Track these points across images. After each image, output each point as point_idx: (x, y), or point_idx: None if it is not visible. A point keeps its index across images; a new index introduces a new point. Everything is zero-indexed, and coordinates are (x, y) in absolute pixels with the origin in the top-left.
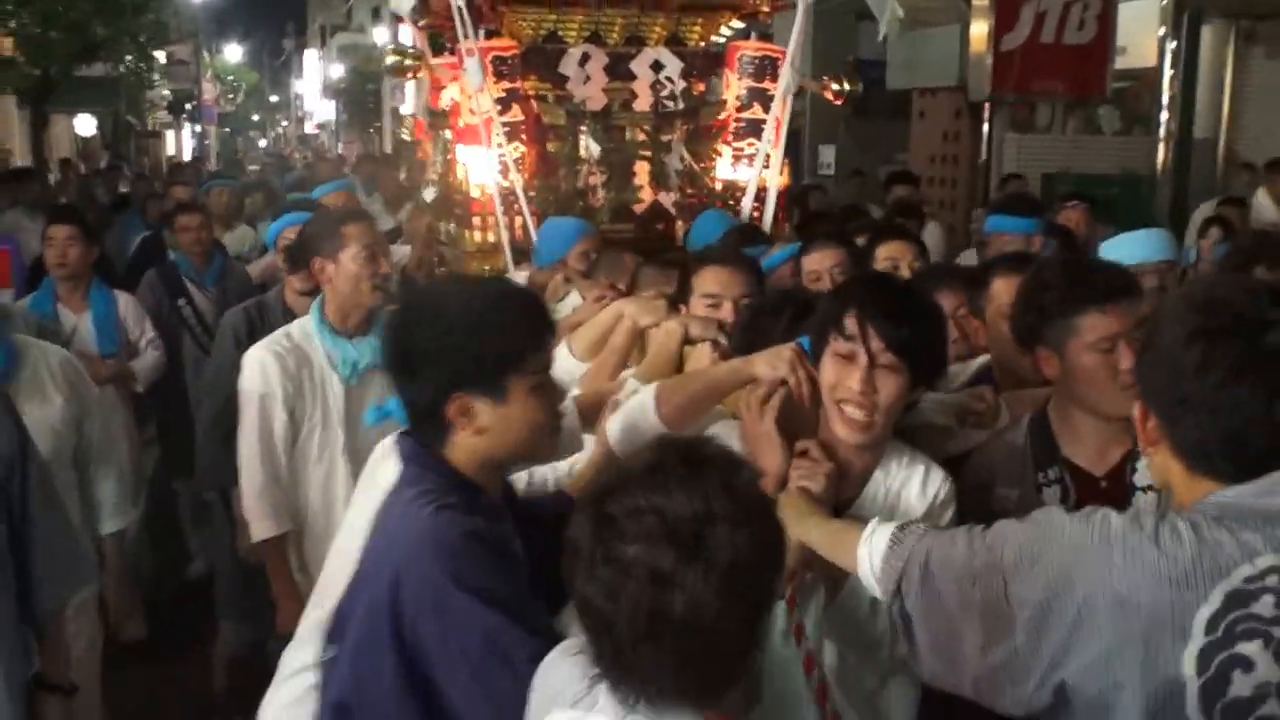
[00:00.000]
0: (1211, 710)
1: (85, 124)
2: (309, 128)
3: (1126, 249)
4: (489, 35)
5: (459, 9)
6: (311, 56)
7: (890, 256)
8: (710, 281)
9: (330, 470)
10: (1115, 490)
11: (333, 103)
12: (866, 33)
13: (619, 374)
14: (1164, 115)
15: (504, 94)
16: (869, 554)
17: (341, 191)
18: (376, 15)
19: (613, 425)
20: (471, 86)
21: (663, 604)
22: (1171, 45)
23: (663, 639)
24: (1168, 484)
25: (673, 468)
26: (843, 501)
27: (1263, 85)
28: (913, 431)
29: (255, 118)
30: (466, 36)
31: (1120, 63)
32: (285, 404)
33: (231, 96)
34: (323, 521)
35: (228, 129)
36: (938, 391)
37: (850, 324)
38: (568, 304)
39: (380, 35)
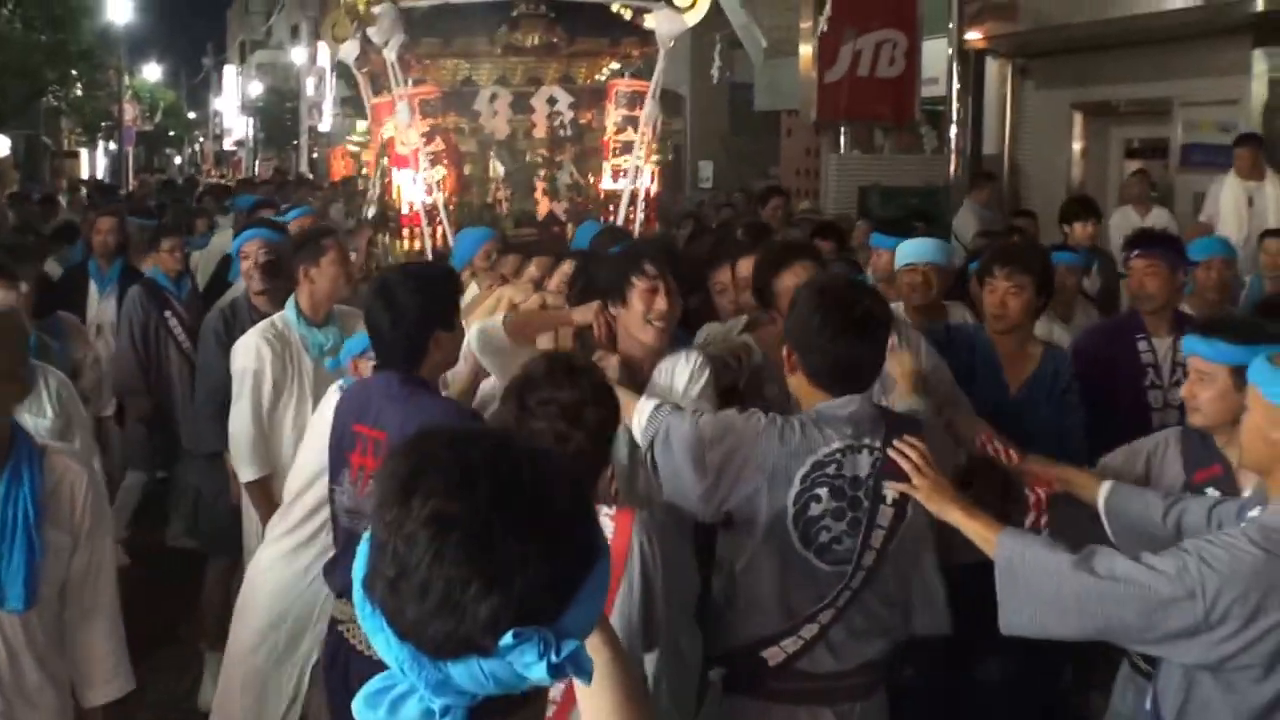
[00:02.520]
0: (799, 524)
1: None
2: (227, 144)
3: (911, 249)
4: (415, 83)
5: (392, 64)
6: (230, 73)
7: None
8: (568, 267)
9: (302, 426)
10: None
11: (251, 120)
12: (741, 59)
13: None
14: (954, 137)
15: (428, 129)
16: (638, 419)
17: (308, 216)
18: (295, 33)
19: (471, 334)
20: (402, 124)
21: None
22: (957, 79)
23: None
24: (798, 395)
25: (560, 372)
26: (637, 383)
27: (1035, 111)
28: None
29: (172, 134)
30: (398, 84)
31: (931, 91)
32: (272, 376)
33: (149, 115)
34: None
35: (143, 146)
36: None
37: (650, 266)
38: (469, 293)
39: (299, 55)
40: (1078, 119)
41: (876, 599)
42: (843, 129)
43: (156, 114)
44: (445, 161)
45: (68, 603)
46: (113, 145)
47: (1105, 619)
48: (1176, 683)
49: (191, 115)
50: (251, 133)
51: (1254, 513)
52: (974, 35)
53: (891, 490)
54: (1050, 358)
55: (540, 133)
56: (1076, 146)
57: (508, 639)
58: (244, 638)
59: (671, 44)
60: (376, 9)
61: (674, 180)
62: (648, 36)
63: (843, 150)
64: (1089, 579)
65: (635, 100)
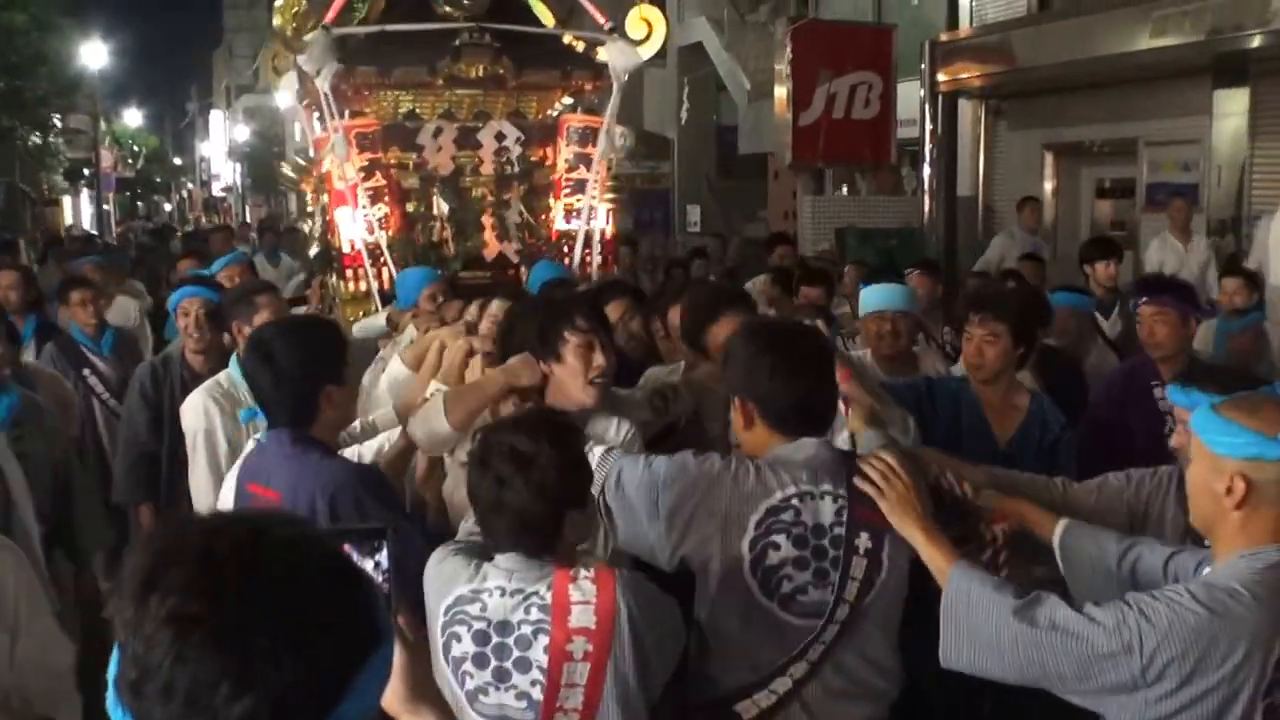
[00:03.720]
0: (757, 572)
1: None
2: (216, 190)
3: (876, 296)
4: (354, 115)
5: (325, 95)
6: (217, 118)
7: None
8: (496, 307)
9: None
10: None
11: (238, 165)
12: (726, 102)
13: (432, 378)
14: (927, 178)
15: (367, 163)
16: (591, 462)
17: (237, 264)
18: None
19: (413, 424)
20: (339, 158)
21: (502, 497)
22: (930, 120)
23: (504, 515)
24: (749, 442)
25: (524, 425)
26: None
27: (1008, 151)
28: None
29: (159, 180)
30: (333, 117)
31: (909, 133)
32: (224, 433)
33: (131, 161)
34: None
35: (128, 193)
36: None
37: (582, 320)
38: (406, 336)
39: (284, 99)
40: (1049, 159)
41: (857, 658)
42: (826, 171)
43: (138, 160)
44: (387, 198)
45: (27, 702)
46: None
47: (1042, 667)
48: None
49: (178, 161)
50: (239, 178)
51: (1208, 569)
52: (947, 77)
53: (862, 539)
54: (1039, 407)
55: (487, 169)
56: (1049, 186)
57: None
58: None
59: (625, 78)
60: (308, 36)
61: (663, 223)
62: (601, 70)
63: (829, 192)
64: (1028, 627)
65: (588, 137)
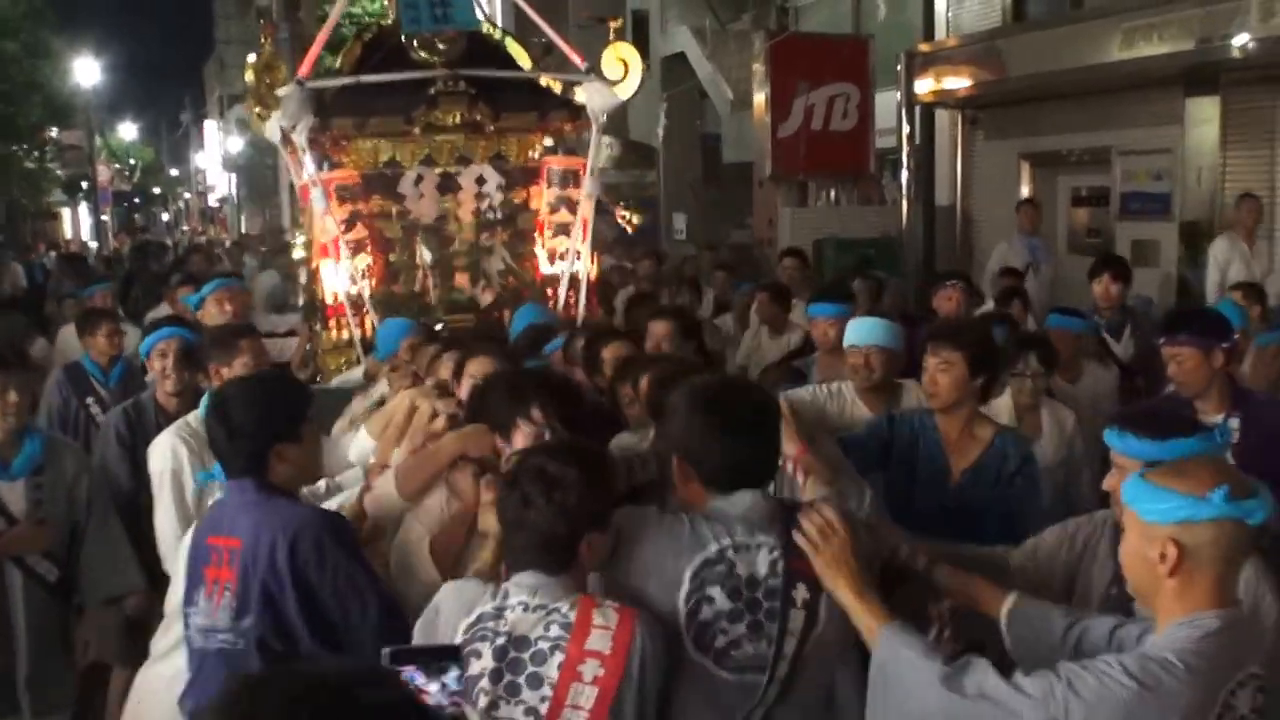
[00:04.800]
0: (690, 628)
1: None
2: (211, 200)
3: (854, 330)
4: (333, 166)
5: (302, 149)
6: (211, 129)
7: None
8: (474, 366)
9: None
10: None
11: (232, 176)
12: (710, 110)
13: (398, 440)
14: (905, 186)
15: (348, 215)
16: None
17: (226, 290)
18: None
19: (368, 500)
20: (318, 212)
21: (526, 515)
22: (908, 129)
23: (526, 533)
24: (687, 497)
25: (555, 451)
26: None
27: (985, 160)
28: None
29: (156, 191)
30: (310, 170)
31: (887, 142)
32: (191, 474)
33: (127, 174)
34: None
35: (125, 204)
36: None
37: (536, 412)
38: (379, 388)
39: (274, 134)
40: (1025, 168)
41: (798, 715)
42: (808, 182)
43: (135, 173)
44: (369, 248)
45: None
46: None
47: None
48: None
49: (174, 172)
50: (234, 189)
51: (1150, 638)
52: (924, 87)
53: (799, 591)
54: (1001, 441)
55: (468, 215)
56: (1025, 194)
57: None
58: None
59: (604, 119)
60: (281, 91)
61: (650, 232)
62: (579, 110)
63: (811, 202)
64: (954, 697)
65: (569, 179)
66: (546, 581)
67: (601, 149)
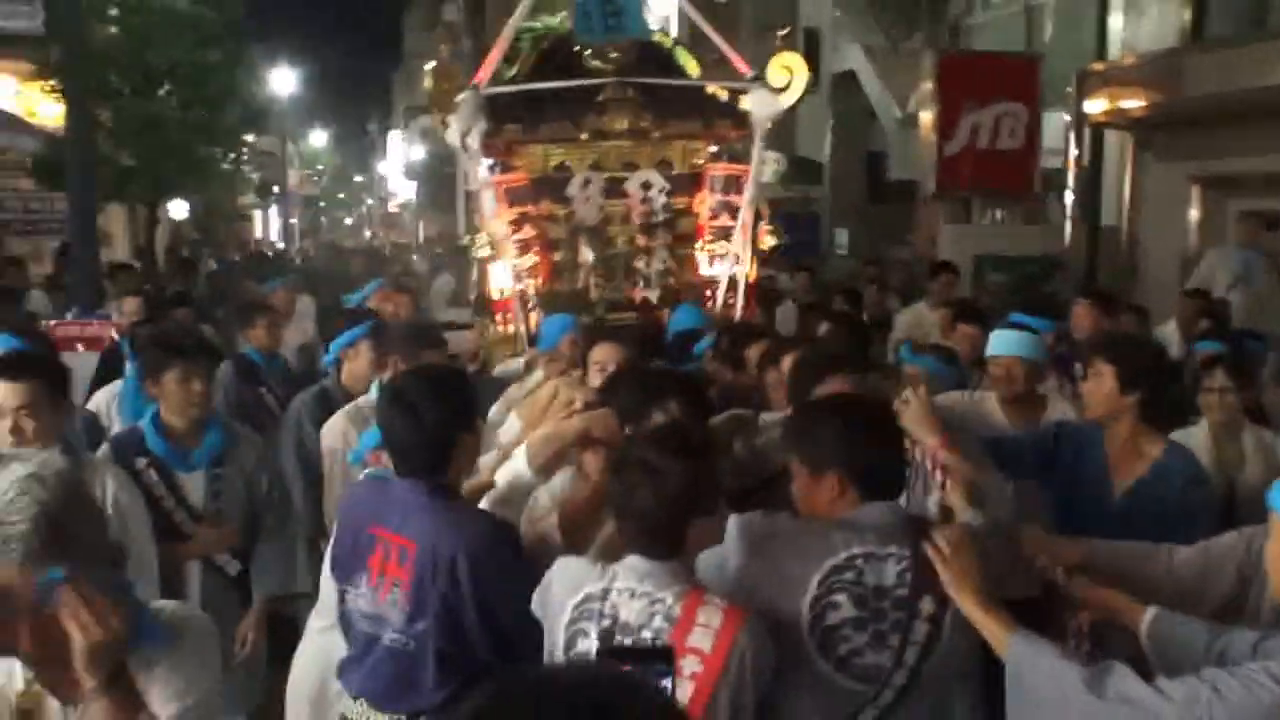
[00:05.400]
0: (815, 632)
1: (178, 207)
2: (392, 207)
3: (995, 341)
4: (505, 170)
5: (476, 153)
6: (395, 138)
7: None
8: (599, 353)
9: None
10: None
11: (414, 183)
12: (878, 128)
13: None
14: (1070, 207)
15: (517, 216)
16: None
17: (384, 290)
18: None
19: (501, 471)
20: (489, 212)
21: (631, 502)
22: (1075, 149)
23: (631, 519)
24: (819, 505)
25: (659, 439)
26: None
27: (1153, 183)
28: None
29: (341, 196)
30: (483, 172)
31: (1053, 162)
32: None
33: (315, 180)
34: None
35: (315, 206)
36: None
37: (673, 405)
38: (534, 377)
39: (454, 138)
40: (1195, 191)
41: None
42: (972, 199)
43: (322, 178)
44: (536, 248)
45: None
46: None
47: None
48: None
49: (358, 178)
50: (414, 195)
51: None
52: (1094, 107)
53: (925, 603)
54: (1167, 459)
55: (634, 218)
56: (1194, 218)
57: None
58: None
59: (768, 126)
60: (458, 98)
61: (811, 247)
62: (743, 118)
63: (975, 220)
64: (1095, 700)
65: (731, 184)
66: (653, 567)
67: (769, 164)
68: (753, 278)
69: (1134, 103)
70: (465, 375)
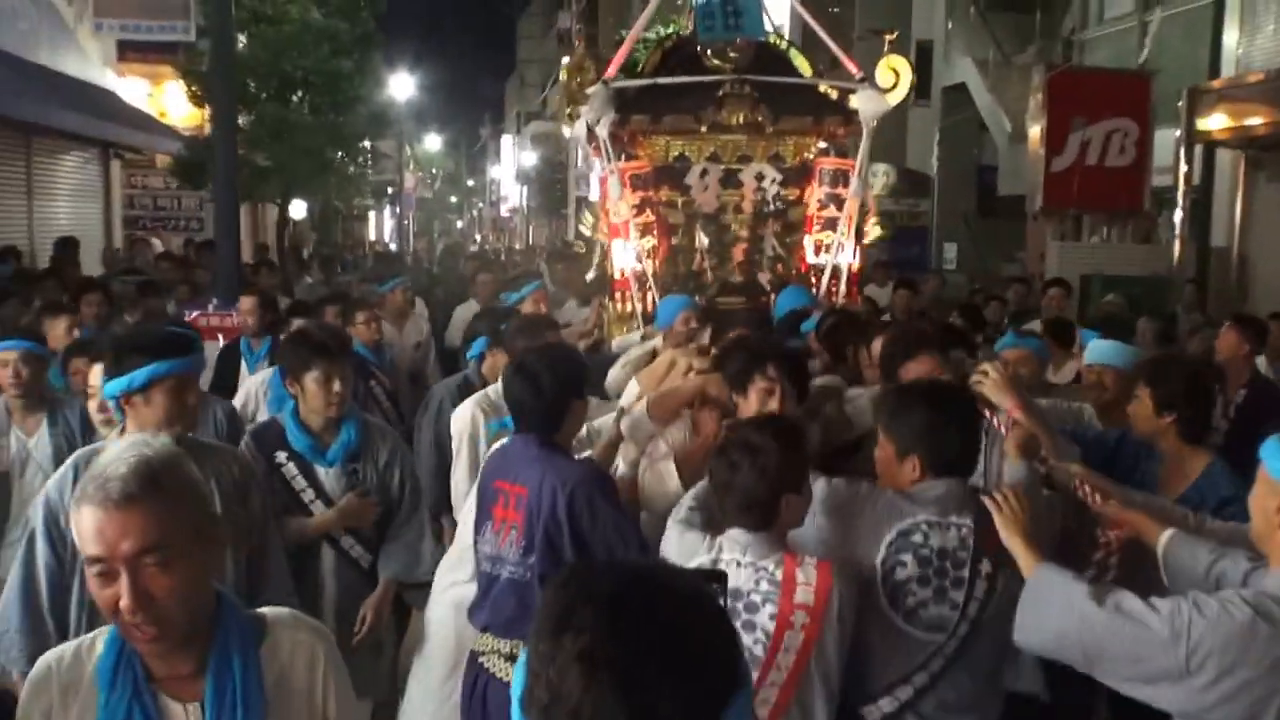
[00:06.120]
0: (885, 586)
1: (296, 207)
2: (503, 211)
3: (1091, 350)
4: (629, 158)
5: (604, 141)
6: (507, 143)
7: None
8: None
9: None
10: None
11: (524, 188)
12: (988, 142)
13: (655, 387)
14: (1179, 226)
15: (639, 201)
16: None
17: (535, 293)
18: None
19: (625, 422)
20: (614, 197)
21: (733, 478)
22: (1186, 168)
23: (733, 494)
24: (896, 478)
25: (758, 424)
26: None
27: (1266, 203)
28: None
29: (453, 199)
30: (609, 159)
31: (1163, 180)
32: (485, 439)
33: (430, 182)
34: None
35: (428, 208)
36: None
37: (772, 370)
38: (651, 342)
39: (576, 130)
40: None
41: (968, 673)
42: (1081, 216)
43: (436, 181)
44: (655, 232)
45: None
46: (397, 208)
47: (1099, 649)
48: None
49: (470, 183)
50: (525, 200)
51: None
52: (1205, 125)
53: (984, 565)
54: (1205, 478)
55: (747, 207)
56: None
57: None
58: (428, 686)
59: (874, 124)
60: (589, 90)
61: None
62: (851, 116)
63: (1084, 238)
64: (1095, 607)
65: (839, 178)
66: (753, 539)
67: (879, 175)
68: (855, 268)
69: (1247, 121)
70: (577, 353)
